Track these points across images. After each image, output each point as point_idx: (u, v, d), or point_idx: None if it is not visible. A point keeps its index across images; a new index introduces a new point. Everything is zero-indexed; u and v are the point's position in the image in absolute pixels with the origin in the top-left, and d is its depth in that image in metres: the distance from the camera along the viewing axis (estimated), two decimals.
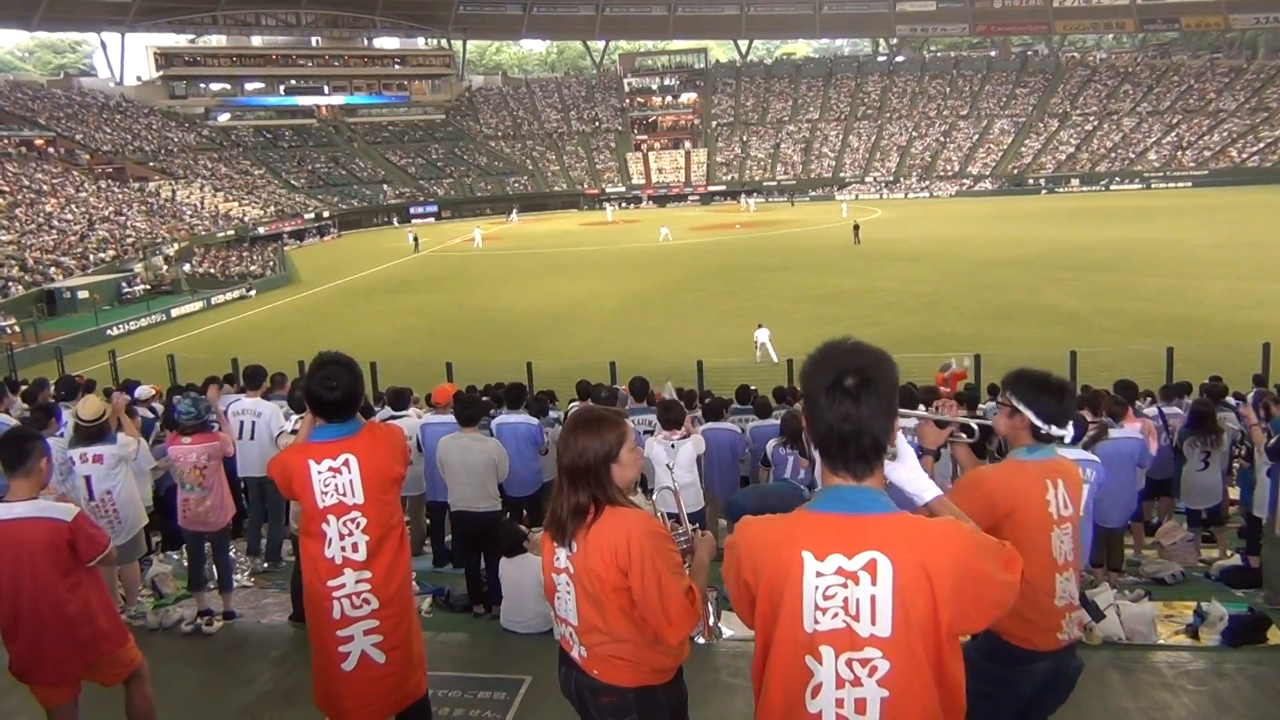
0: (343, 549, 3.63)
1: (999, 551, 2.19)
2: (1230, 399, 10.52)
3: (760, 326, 22.02)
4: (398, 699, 3.76)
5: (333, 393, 3.62)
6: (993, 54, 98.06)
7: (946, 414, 3.46)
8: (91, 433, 6.47)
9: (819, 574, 2.15)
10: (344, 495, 3.63)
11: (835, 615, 2.15)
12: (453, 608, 7.27)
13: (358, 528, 3.64)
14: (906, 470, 2.42)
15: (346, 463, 3.63)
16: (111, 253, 44.14)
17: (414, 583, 7.46)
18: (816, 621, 2.17)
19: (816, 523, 2.20)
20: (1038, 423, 3.42)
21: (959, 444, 3.58)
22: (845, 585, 2.13)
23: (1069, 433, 3.52)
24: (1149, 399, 10.81)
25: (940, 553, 2.11)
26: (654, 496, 7.18)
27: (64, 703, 4.28)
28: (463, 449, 6.99)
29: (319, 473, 3.63)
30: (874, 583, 2.11)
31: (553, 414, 10.28)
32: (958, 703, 2.21)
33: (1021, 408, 3.43)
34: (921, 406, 4.63)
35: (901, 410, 3.58)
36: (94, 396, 7.48)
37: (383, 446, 3.73)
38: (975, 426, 3.43)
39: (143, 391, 11.03)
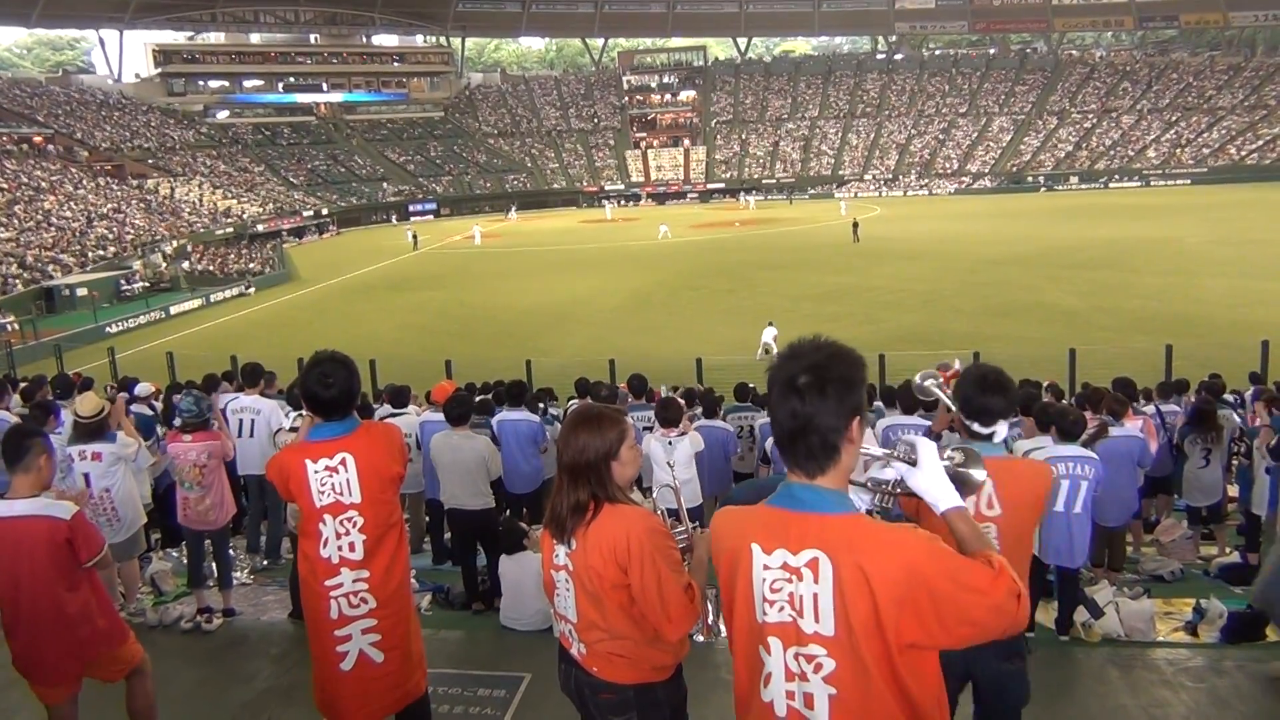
0: (339, 548, 3.62)
1: (967, 567, 2.10)
2: (1228, 396, 10.53)
3: (770, 325, 22.01)
4: (397, 698, 3.76)
5: (329, 390, 3.61)
6: (992, 52, 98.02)
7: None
8: (90, 429, 6.46)
9: (766, 567, 2.18)
10: (340, 494, 3.61)
11: (781, 609, 2.17)
12: (452, 605, 7.28)
13: (355, 527, 3.62)
14: (925, 478, 2.35)
15: (343, 462, 3.61)
16: (112, 249, 44.13)
17: (413, 580, 7.51)
18: (765, 613, 2.20)
19: (767, 517, 2.22)
20: (961, 416, 3.48)
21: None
22: (790, 580, 2.15)
23: (1000, 431, 3.49)
24: (1145, 397, 10.82)
25: (885, 559, 2.07)
26: (654, 494, 7.19)
27: (63, 700, 4.29)
28: (453, 447, 7.01)
29: (315, 472, 3.62)
30: (816, 581, 2.12)
31: (552, 411, 10.29)
32: (925, 714, 2.17)
33: (950, 402, 3.50)
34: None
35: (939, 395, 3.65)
36: (92, 393, 7.47)
37: (380, 445, 3.71)
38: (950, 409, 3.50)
39: (142, 388, 11.01)
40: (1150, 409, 9.48)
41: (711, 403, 9.25)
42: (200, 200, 59.52)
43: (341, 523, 3.62)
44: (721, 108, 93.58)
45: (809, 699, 2.18)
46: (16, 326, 30.22)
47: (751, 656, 2.27)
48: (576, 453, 2.95)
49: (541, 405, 9.83)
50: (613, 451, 2.96)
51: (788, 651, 2.19)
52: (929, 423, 8.09)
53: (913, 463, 2.36)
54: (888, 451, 2.44)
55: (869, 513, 2.49)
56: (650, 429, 8.15)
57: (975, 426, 3.47)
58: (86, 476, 6.42)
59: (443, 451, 7.05)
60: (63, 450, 6.41)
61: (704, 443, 8.15)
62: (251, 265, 45.41)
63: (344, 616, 3.65)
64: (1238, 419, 9.68)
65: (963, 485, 2.47)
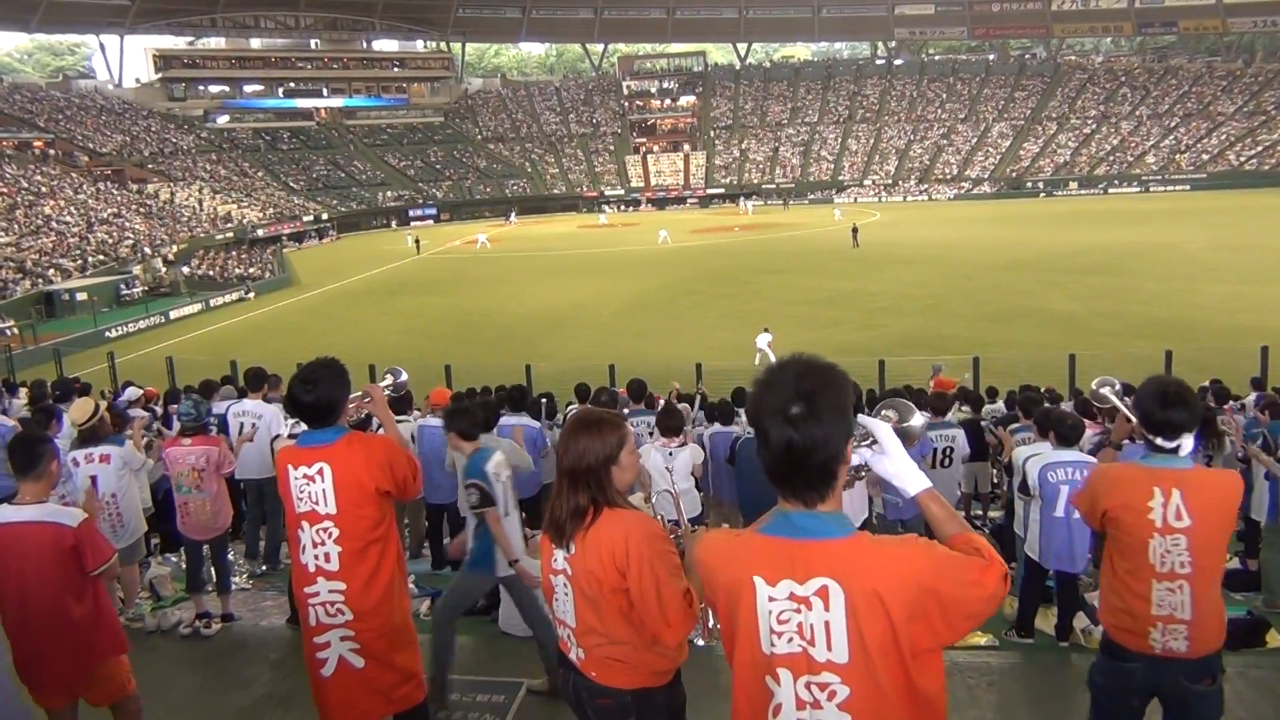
0: (315, 557, 3.60)
1: (966, 565, 2.10)
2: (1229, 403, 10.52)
3: (764, 330, 22.00)
4: (386, 703, 3.72)
5: (308, 395, 3.58)
6: (991, 57, 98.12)
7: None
8: (85, 435, 6.46)
9: (772, 599, 2.12)
10: (316, 504, 3.59)
11: (791, 639, 2.12)
12: None
13: (330, 538, 3.59)
14: (893, 463, 2.33)
15: (320, 471, 3.58)
16: (125, 250, 44.11)
17: (412, 585, 7.49)
18: (773, 645, 2.14)
19: (766, 547, 2.16)
20: (1144, 430, 3.50)
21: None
22: (799, 610, 2.10)
23: (1185, 444, 3.47)
24: None
25: (893, 577, 2.05)
26: (653, 500, 7.17)
27: (62, 707, 4.27)
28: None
29: (295, 478, 3.61)
30: (826, 609, 2.07)
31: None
32: (932, 711, 2.16)
33: (1132, 413, 3.59)
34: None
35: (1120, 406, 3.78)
36: (85, 399, 7.47)
37: (360, 458, 3.63)
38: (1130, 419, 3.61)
39: (131, 393, 11.03)
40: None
41: (726, 410, 9.15)
42: (200, 205, 59.55)
43: (317, 532, 3.59)
44: (721, 113, 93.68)
45: None
46: (16, 331, 30.23)
47: (755, 689, 2.20)
48: (577, 457, 2.95)
49: (545, 402, 9.82)
50: (613, 456, 2.97)
51: (798, 681, 2.13)
52: (956, 429, 8.11)
53: (872, 445, 2.36)
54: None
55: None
56: (651, 433, 8.14)
57: (1159, 441, 3.45)
58: (94, 480, 6.41)
59: (441, 454, 7.01)
60: (65, 455, 6.41)
61: (714, 449, 8.14)
62: (251, 270, 45.42)
63: (321, 624, 3.63)
64: (1243, 420, 9.67)
65: (906, 439, 2.45)
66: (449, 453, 6.21)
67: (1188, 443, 3.47)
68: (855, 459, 2.35)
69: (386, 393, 4.31)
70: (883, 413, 2.55)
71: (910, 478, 2.33)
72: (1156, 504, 3.39)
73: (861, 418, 2.36)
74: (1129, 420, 3.89)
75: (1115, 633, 3.58)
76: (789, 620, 2.11)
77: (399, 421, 8.67)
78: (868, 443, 2.37)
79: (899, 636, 2.05)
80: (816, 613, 2.08)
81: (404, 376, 5.01)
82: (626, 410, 9.60)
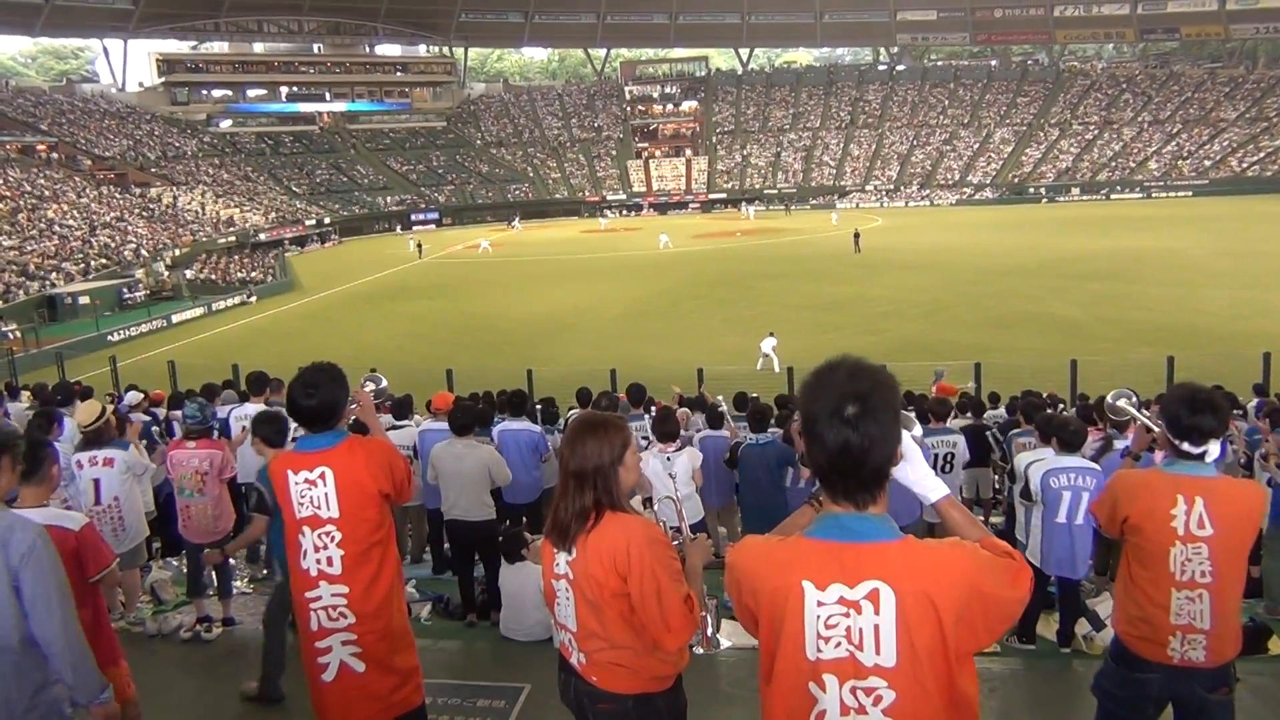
0: (317, 561, 3.60)
1: (1005, 568, 2.12)
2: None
3: (770, 335, 21.99)
4: (385, 707, 3.72)
5: (309, 400, 3.58)
6: (993, 63, 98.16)
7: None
8: (90, 438, 6.46)
9: (820, 603, 2.10)
10: (318, 508, 3.58)
11: (838, 644, 2.10)
12: (452, 616, 7.26)
13: (333, 542, 3.59)
14: (914, 470, 2.34)
15: (322, 475, 3.58)
16: (128, 254, 44.17)
17: (413, 590, 7.50)
18: (819, 650, 2.12)
19: (816, 551, 2.14)
20: (1170, 436, 3.46)
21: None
22: (848, 615, 2.08)
23: (1212, 450, 3.46)
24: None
25: (945, 579, 2.05)
26: (655, 507, 7.15)
27: None
28: (456, 457, 6.95)
29: (295, 483, 3.60)
30: (877, 612, 2.06)
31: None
32: (970, 713, 2.16)
33: (1158, 420, 3.52)
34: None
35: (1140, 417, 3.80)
36: (92, 401, 7.48)
37: (361, 461, 3.64)
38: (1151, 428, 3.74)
39: (131, 398, 11.03)
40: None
41: (715, 416, 9.17)
42: (203, 209, 59.63)
43: (319, 536, 3.59)
44: (723, 118, 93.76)
45: None
46: (19, 334, 30.24)
47: (795, 696, 2.18)
48: (582, 459, 2.96)
49: (540, 408, 9.82)
50: (618, 457, 2.98)
51: (844, 687, 2.11)
52: (957, 435, 8.10)
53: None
54: None
55: None
56: (647, 439, 8.13)
57: (1186, 446, 3.43)
58: (96, 483, 6.41)
59: (445, 461, 6.99)
60: (67, 458, 6.41)
61: (707, 454, 8.13)
62: (253, 274, 45.47)
63: (323, 629, 3.62)
64: (1245, 426, 9.66)
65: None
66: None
67: (1214, 449, 3.46)
68: None
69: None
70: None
71: (931, 484, 2.34)
72: (1179, 511, 3.37)
73: None
74: (1149, 430, 3.86)
75: (1132, 642, 3.54)
76: (837, 625, 2.09)
77: (399, 428, 8.70)
78: None
79: (947, 639, 2.05)
80: (866, 616, 2.07)
81: (384, 383, 5.03)
82: (628, 415, 9.60)
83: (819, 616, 2.10)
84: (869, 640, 2.07)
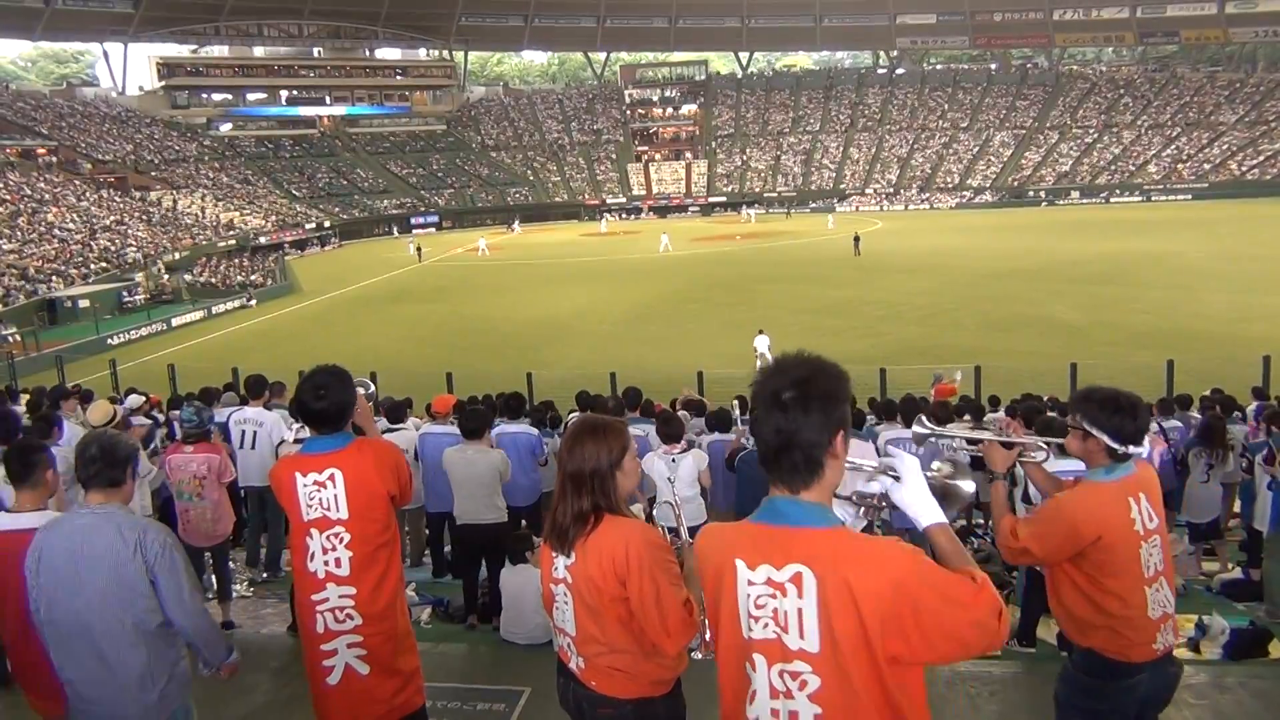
0: (325, 563, 3.61)
1: (950, 581, 2.09)
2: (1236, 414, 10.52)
3: (760, 333, 21.96)
4: (388, 710, 3.72)
5: (320, 402, 3.60)
6: (993, 67, 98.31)
7: (1014, 435, 3.46)
8: None
9: (750, 582, 2.17)
10: (328, 510, 3.59)
11: (766, 625, 2.16)
12: (453, 619, 7.26)
13: (341, 543, 3.60)
14: (908, 492, 2.32)
15: (332, 477, 3.59)
16: (131, 256, 44.18)
17: (413, 593, 7.49)
18: (750, 629, 2.18)
19: (751, 532, 2.21)
20: (1113, 444, 3.39)
21: (1030, 464, 3.61)
22: (774, 596, 2.14)
23: (1145, 448, 3.48)
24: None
25: (867, 571, 2.05)
26: (655, 511, 7.15)
27: (61, 713, 4.26)
28: (467, 461, 6.96)
29: (304, 485, 3.61)
30: (800, 596, 2.10)
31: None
32: None
33: (1095, 431, 3.40)
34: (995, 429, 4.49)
35: (957, 433, 3.60)
36: (103, 401, 7.48)
37: (370, 462, 3.67)
38: (1044, 445, 3.46)
39: (133, 400, 11.01)
40: (1153, 426, 9.45)
41: (724, 419, 9.14)
42: (203, 212, 59.67)
43: (328, 538, 3.60)
44: (723, 121, 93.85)
45: (794, 717, 2.16)
46: (19, 338, 30.24)
47: (737, 674, 2.25)
48: (580, 462, 2.96)
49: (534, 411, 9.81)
50: (616, 461, 2.97)
51: (772, 669, 2.17)
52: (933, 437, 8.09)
53: (897, 477, 2.36)
54: (875, 465, 2.43)
55: (865, 528, 2.50)
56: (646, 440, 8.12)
57: (1132, 449, 3.42)
58: None
59: (456, 465, 7.01)
60: (65, 461, 6.40)
61: (712, 458, 8.12)
62: (253, 277, 45.49)
63: (329, 631, 3.62)
64: (1243, 431, 9.67)
65: (948, 499, 2.46)
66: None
67: (1146, 443, 3.50)
68: (876, 487, 2.38)
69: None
70: (936, 463, 2.56)
71: (923, 509, 2.32)
72: (1135, 513, 3.38)
73: (890, 448, 2.44)
74: (1039, 448, 3.69)
75: (1115, 653, 3.47)
76: (765, 605, 2.15)
77: (396, 430, 8.70)
78: (890, 473, 2.37)
79: (870, 635, 2.05)
80: (791, 599, 2.12)
81: (372, 388, 5.06)
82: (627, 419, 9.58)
83: (749, 596, 2.17)
84: (793, 623, 2.12)
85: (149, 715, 3.54)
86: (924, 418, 3.29)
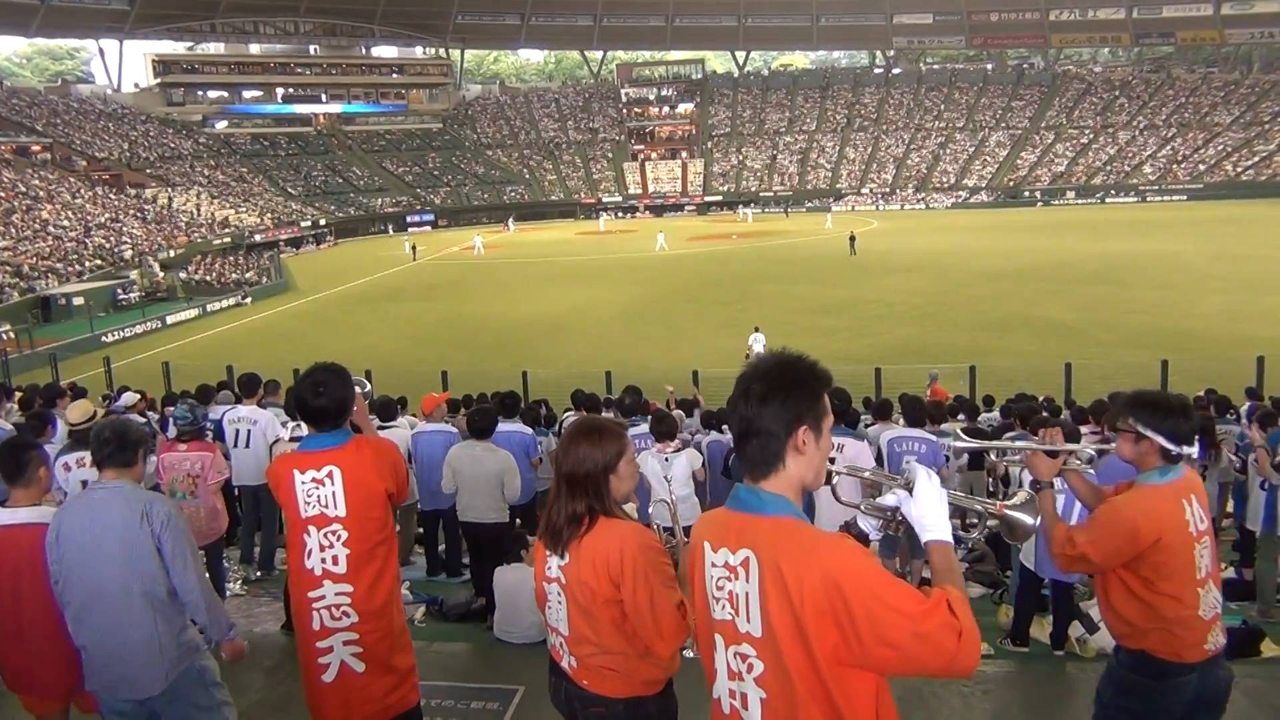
0: (323, 560, 3.61)
1: (896, 589, 2.05)
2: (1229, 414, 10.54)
3: (756, 330, 21.94)
4: (383, 708, 3.72)
5: (319, 399, 3.60)
6: (989, 67, 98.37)
7: (1057, 443, 3.46)
8: (82, 437, 6.43)
9: (713, 565, 2.27)
10: (326, 507, 3.60)
11: (724, 606, 2.24)
12: (446, 617, 7.26)
13: (339, 540, 3.60)
14: (917, 506, 2.31)
15: (330, 474, 3.59)
16: (124, 255, 44.08)
17: (407, 592, 7.48)
18: (713, 610, 2.28)
19: (718, 518, 2.32)
20: (1169, 446, 3.39)
21: (1071, 471, 3.59)
22: (730, 579, 2.21)
23: (1197, 449, 3.49)
24: None
25: (803, 563, 2.06)
26: (650, 510, 7.15)
27: (54, 713, 4.25)
28: (475, 459, 6.98)
29: (302, 483, 3.61)
30: (747, 580, 2.17)
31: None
32: None
33: (1149, 433, 3.39)
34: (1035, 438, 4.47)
35: (1003, 443, 3.62)
36: (83, 400, 7.46)
37: (369, 460, 3.67)
38: (1093, 453, 3.46)
39: (128, 398, 10.98)
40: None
41: (719, 417, 9.16)
42: (198, 210, 59.53)
43: (326, 535, 3.60)
44: (719, 120, 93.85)
45: (744, 699, 2.23)
46: (12, 335, 30.13)
47: (709, 652, 2.34)
48: (576, 463, 2.96)
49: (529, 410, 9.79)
50: (612, 465, 2.97)
51: (729, 650, 2.25)
52: (934, 437, 8.12)
53: (907, 486, 2.36)
54: (893, 476, 2.44)
55: (879, 538, 2.52)
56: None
57: (1185, 449, 3.42)
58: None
59: (463, 463, 7.02)
60: (57, 461, 6.39)
61: (707, 457, 8.13)
62: (248, 275, 45.41)
63: (325, 628, 3.62)
64: (1237, 430, 9.69)
65: (1014, 530, 2.52)
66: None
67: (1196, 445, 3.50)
68: (891, 500, 2.40)
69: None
70: (1018, 499, 2.57)
71: (930, 523, 2.30)
72: (1189, 515, 3.39)
73: (914, 462, 2.41)
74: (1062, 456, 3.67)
75: (1169, 655, 3.43)
76: (724, 588, 2.23)
77: (388, 428, 8.70)
78: (905, 485, 2.37)
79: (804, 626, 2.06)
80: (741, 583, 2.18)
81: (368, 387, 5.07)
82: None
83: (712, 577, 2.27)
84: (742, 606, 2.19)
85: (157, 677, 3.75)
86: (960, 431, 3.32)
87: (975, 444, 3.83)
